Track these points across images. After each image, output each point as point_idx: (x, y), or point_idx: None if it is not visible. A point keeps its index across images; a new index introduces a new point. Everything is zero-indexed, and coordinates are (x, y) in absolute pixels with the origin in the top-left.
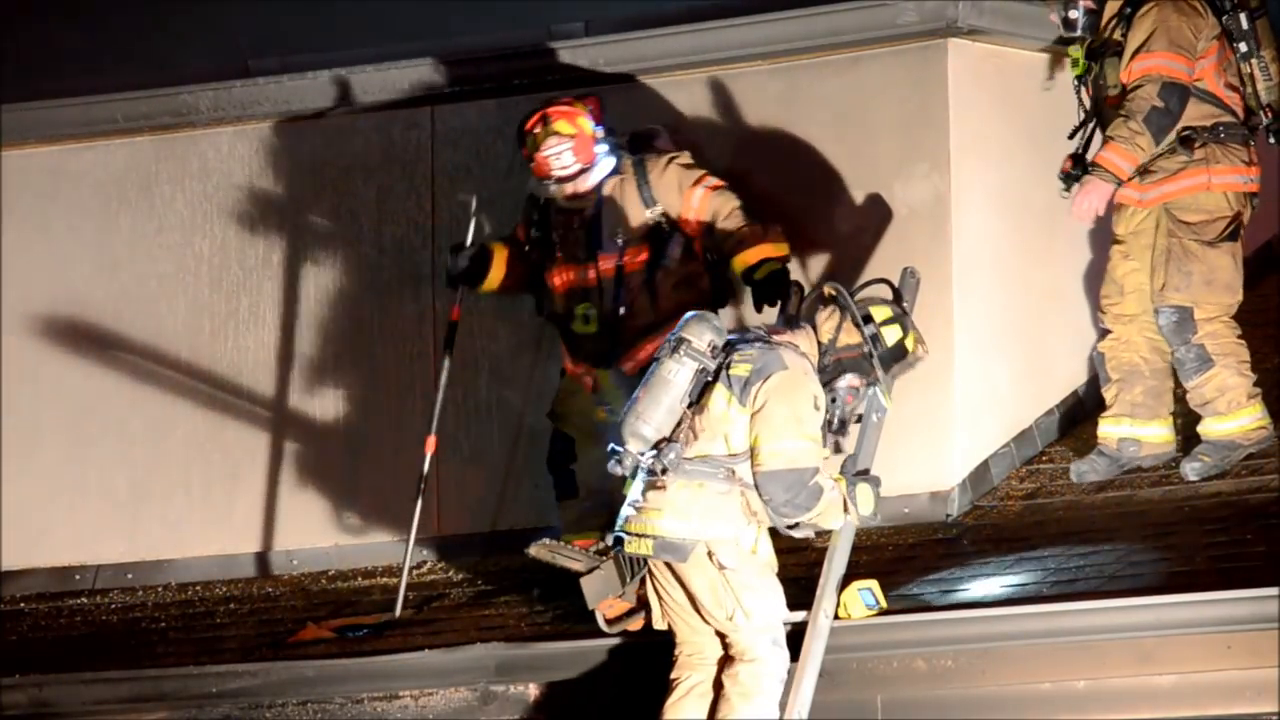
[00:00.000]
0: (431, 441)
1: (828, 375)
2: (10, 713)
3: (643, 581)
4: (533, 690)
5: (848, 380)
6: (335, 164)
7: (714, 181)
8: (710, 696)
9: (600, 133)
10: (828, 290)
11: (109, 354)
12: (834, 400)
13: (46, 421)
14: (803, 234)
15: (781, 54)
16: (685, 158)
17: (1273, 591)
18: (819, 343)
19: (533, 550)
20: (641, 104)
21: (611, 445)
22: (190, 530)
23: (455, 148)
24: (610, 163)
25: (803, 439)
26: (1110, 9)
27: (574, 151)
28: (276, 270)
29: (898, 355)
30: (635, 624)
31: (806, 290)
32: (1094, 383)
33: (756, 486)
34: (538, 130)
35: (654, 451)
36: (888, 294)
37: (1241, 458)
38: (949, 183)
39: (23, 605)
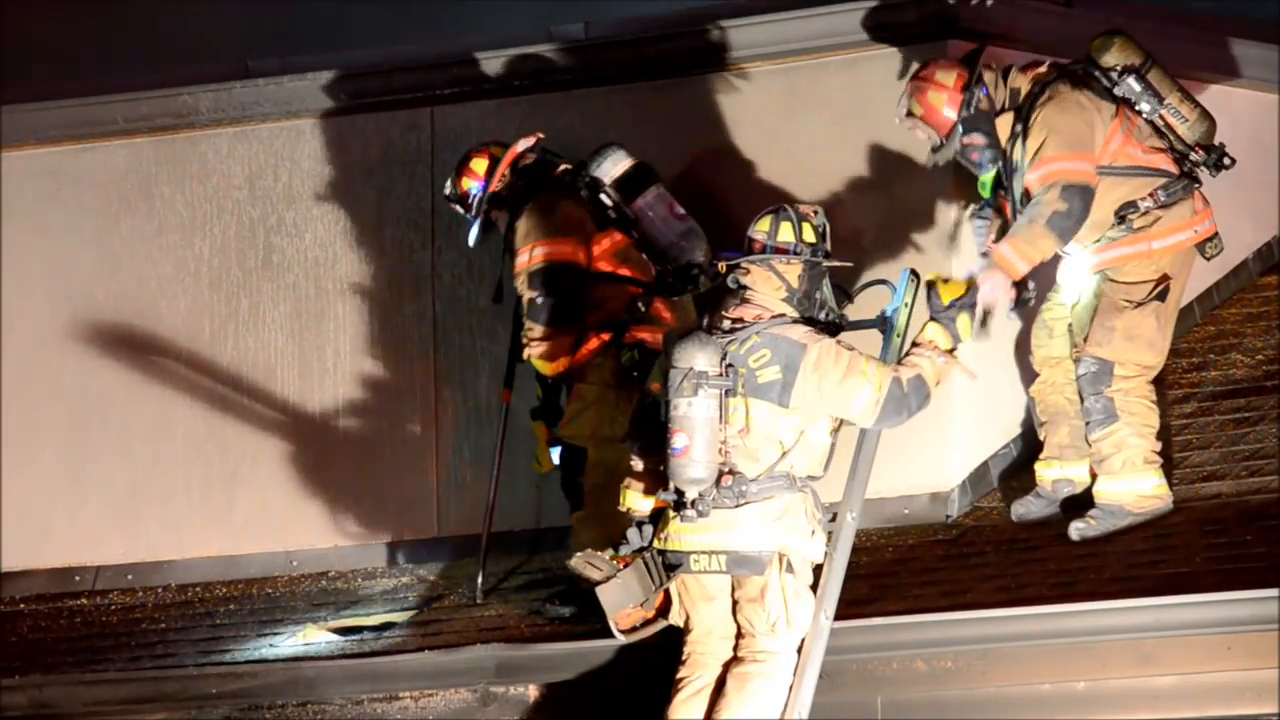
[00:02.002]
0: (507, 394)
1: (813, 310)
2: (10, 714)
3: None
4: (533, 691)
5: (827, 297)
6: (335, 165)
7: (527, 260)
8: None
9: (475, 193)
10: (741, 266)
11: (109, 354)
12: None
13: (46, 421)
14: None
15: (782, 54)
16: (532, 215)
17: (1273, 593)
18: (785, 297)
19: (571, 563)
20: (641, 105)
21: (669, 498)
22: (190, 531)
23: (455, 148)
24: (480, 222)
25: (860, 376)
26: (1003, 132)
27: (462, 209)
28: (276, 271)
29: (824, 235)
30: (651, 630)
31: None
32: None
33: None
34: None
35: (715, 487)
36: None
37: (1130, 527)
38: (949, 183)
39: (23, 606)
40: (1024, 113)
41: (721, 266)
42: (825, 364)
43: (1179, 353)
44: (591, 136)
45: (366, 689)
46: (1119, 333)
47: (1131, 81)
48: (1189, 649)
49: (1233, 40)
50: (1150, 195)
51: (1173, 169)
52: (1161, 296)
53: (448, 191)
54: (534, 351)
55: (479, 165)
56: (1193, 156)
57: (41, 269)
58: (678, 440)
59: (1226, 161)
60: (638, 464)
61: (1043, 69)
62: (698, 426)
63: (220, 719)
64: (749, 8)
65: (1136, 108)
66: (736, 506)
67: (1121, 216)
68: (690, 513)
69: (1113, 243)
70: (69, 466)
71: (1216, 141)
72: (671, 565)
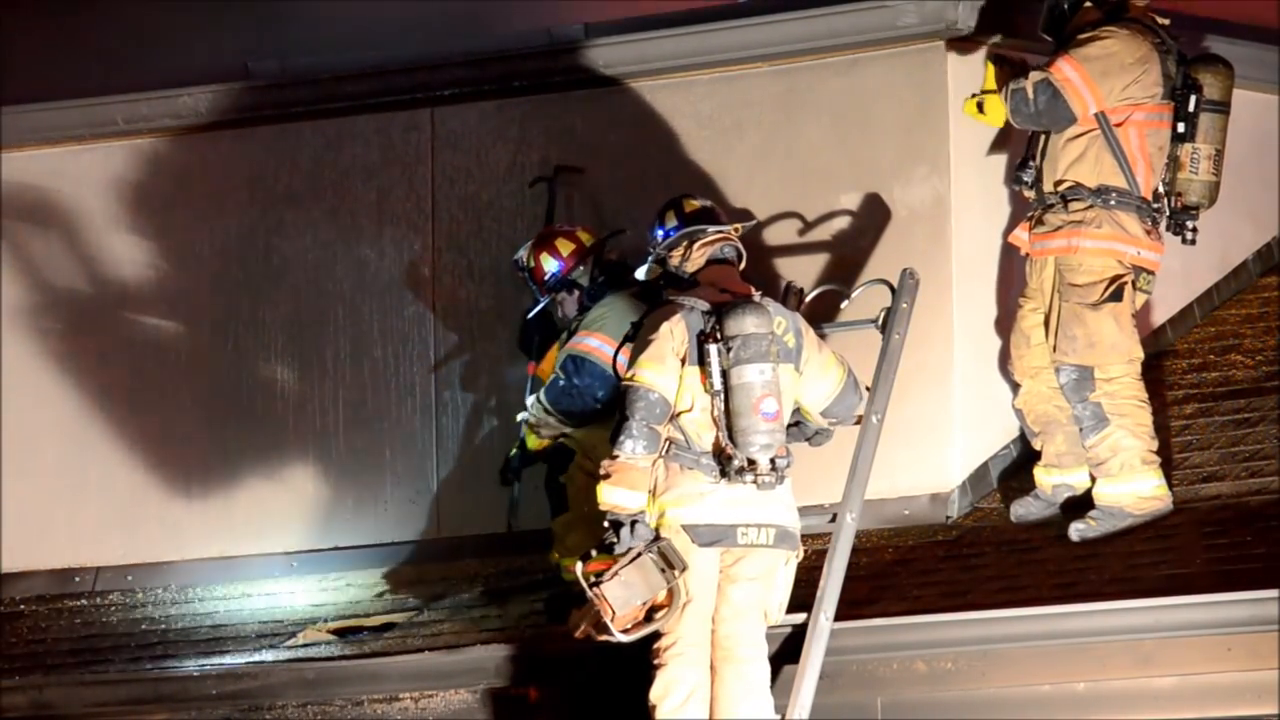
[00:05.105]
0: (532, 366)
1: None
2: (10, 714)
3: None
4: (533, 691)
5: None
6: (335, 165)
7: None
8: (708, 697)
9: (552, 275)
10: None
11: (109, 354)
12: None
13: (46, 423)
14: (802, 235)
15: (781, 55)
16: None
17: (1272, 594)
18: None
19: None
20: (640, 106)
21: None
22: (190, 532)
23: (455, 149)
24: (548, 300)
25: (829, 349)
26: (1077, 19)
27: (526, 280)
28: (276, 272)
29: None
30: (648, 629)
31: (805, 290)
32: None
33: (834, 414)
34: None
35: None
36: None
37: (1130, 528)
38: (949, 185)
39: (23, 607)
40: (1106, 21)
41: (737, 230)
42: (810, 332)
43: (1179, 354)
44: (591, 137)
45: (366, 689)
46: (1080, 341)
47: (1192, 101)
48: (1189, 650)
49: (1233, 40)
50: (1099, 191)
51: (1145, 190)
52: (1116, 296)
53: (519, 258)
54: (532, 423)
55: (564, 246)
56: (1169, 201)
57: (41, 269)
58: (768, 405)
59: (1188, 235)
60: (636, 461)
61: (1144, 13)
62: (778, 393)
63: None
64: (749, 8)
65: (1176, 121)
66: (780, 481)
67: (1064, 197)
68: (768, 478)
69: (1052, 231)
70: (69, 466)
71: (1199, 214)
72: (708, 541)
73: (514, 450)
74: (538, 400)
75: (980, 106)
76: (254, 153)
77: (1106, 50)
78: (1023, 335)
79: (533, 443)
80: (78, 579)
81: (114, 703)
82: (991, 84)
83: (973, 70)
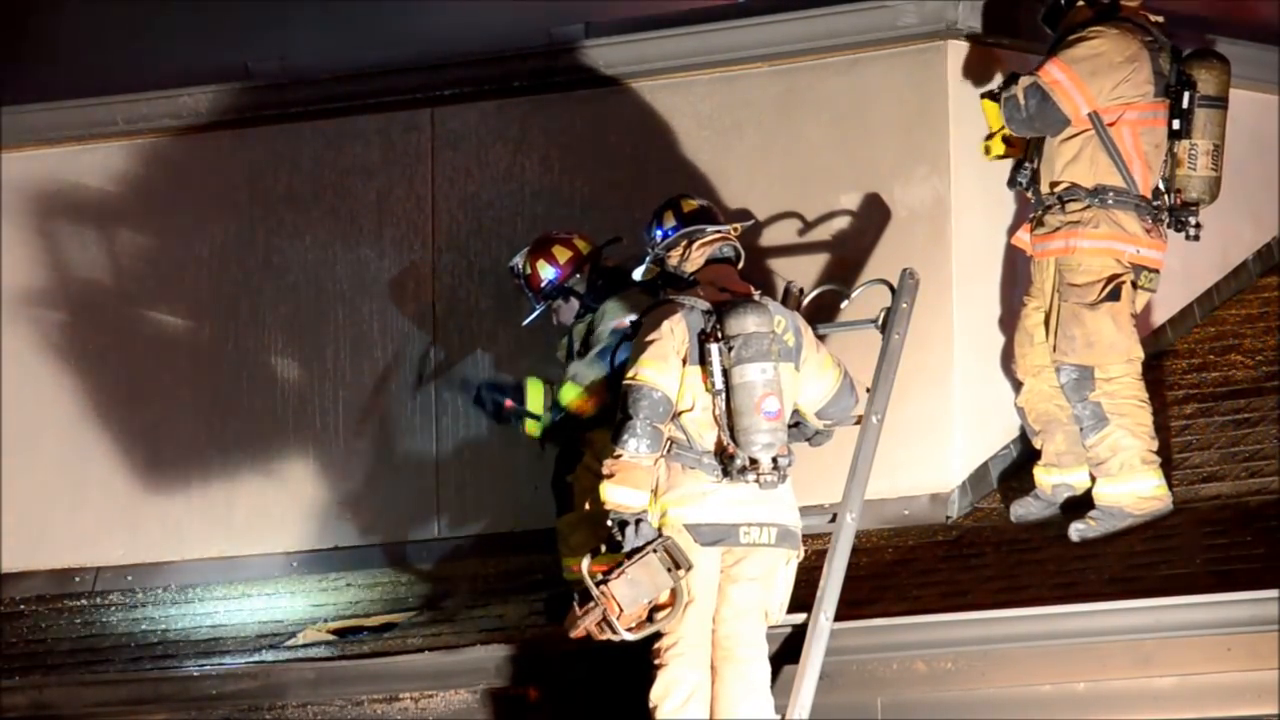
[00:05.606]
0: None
1: None
2: (10, 715)
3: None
4: (533, 691)
5: None
6: (335, 166)
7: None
8: (708, 698)
9: (548, 283)
10: (732, 242)
11: (109, 354)
12: None
13: (46, 422)
14: (802, 235)
15: (781, 55)
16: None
17: (1272, 594)
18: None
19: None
20: (640, 106)
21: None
22: (190, 532)
23: (455, 150)
24: (545, 308)
25: (826, 350)
26: (1070, 17)
27: (522, 288)
28: (276, 272)
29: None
30: (652, 629)
31: (805, 290)
32: None
33: (829, 415)
34: None
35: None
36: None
37: (1130, 528)
38: (949, 185)
39: (23, 607)
40: (1096, 20)
41: (735, 229)
42: (808, 332)
43: (1179, 354)
44: (591, 137)
45: (366, 689)
46: (1079, 341)
47: (1186, 97)
48: (1189, 650)
49: (1233, 40)
50: (1095, 191)
51: (1143, 188)
52: (1114, 296)
53: (515, 264)
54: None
55: (561, 254)
56: (1168, 199)
57: (42, 269)
58: (770, 404)
59: (1191, 231)
60: (639, 459)
61: (1135, 11)
62: (780, 391)
63: None
64: (749, 8)
65: (1172, 118)
66: (783, 480)
67: (1061, 198)
68: (770, 477)
69: (1051, 232)
70: (69, 466)
71: (1200, 210)
72: (710, 541)
73: (526, 400)
74: (577, 359)
75: (988, 150)
76: (254, 153)
77: (1094, 50)
78: (1026, 334)
79: (570, 397)
80: (78, 579)
81: (114, 703)
82: (994, 124)
83: (973, 70)
